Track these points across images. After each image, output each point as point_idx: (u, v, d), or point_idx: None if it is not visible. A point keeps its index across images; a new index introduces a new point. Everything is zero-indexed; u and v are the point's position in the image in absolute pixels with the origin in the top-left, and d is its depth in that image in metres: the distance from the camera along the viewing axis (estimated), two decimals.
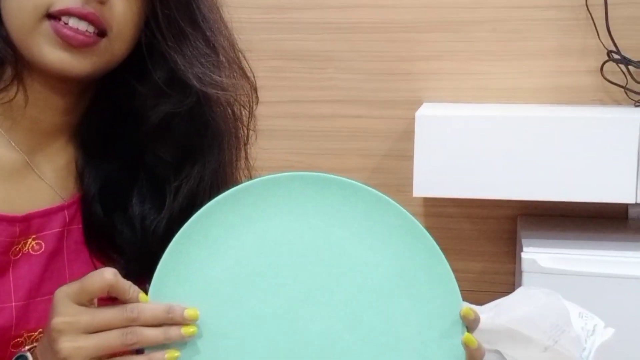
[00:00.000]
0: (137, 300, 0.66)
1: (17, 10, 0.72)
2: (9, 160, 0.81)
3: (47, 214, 0.82)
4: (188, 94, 0.80)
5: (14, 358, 0.71)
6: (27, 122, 0.81)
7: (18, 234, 0.80)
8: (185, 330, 0.65)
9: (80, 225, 0.85)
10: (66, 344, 0.62)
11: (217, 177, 0.87)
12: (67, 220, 0.84)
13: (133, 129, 0.84)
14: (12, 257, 0.80)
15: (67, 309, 0.64)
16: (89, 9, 0.72)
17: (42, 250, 0.82)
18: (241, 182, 0.83)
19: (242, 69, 0.86)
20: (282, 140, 1.98)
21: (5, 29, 0.75)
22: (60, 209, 0.84)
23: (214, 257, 0.70)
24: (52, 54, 0.73)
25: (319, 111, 2.01)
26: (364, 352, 0.68)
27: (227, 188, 0.75)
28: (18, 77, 0.77)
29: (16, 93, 0.78)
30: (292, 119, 2.00)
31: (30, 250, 0.82)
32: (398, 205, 0.72)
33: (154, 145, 0.84)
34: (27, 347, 0.72)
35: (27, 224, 0.81)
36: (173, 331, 0.65)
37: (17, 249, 0.80)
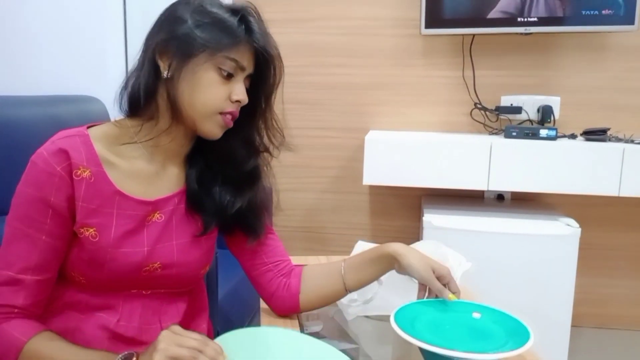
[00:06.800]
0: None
1: (202, 106, 0.89)
2: (148, 169, 0.95)
3: (166, 200, 0.96)
4: (255, 147, 0.98)
5: (123, 355, 0.77)
6: (162, 149, 0.95)
7: (150, 210, 0.93)
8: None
9: (184, 205, 0.98)
10: (162, 345, 0.72)
11: (261, 183, 1.02)
12: (176, 202, 0.97)
13: (219, 155, 0.98)
14: (146, 223, 0.93)
15: (174, 332, 0.74)
16: (236, 110, 0.92)
17: (162, 219, 0.94)
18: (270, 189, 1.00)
19: (281, 130, 0.99)
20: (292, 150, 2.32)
21: (179, 106, 0.88)
22: (172, 196, 0.96)
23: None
24: (217, 131, 0.92)
25: (312, 133, 2.58)
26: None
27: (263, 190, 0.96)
28: (166, 131, 0.93)
29: (161, 138, 0.93)
30: (299, 137, 2.51)
31: (156, 219, 0.94)
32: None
33: (233, 165, 0.97)
34: (134, 351, 0.77)
35: (155, 205, 0.94)
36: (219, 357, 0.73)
37: (149, 218, 0.93)
